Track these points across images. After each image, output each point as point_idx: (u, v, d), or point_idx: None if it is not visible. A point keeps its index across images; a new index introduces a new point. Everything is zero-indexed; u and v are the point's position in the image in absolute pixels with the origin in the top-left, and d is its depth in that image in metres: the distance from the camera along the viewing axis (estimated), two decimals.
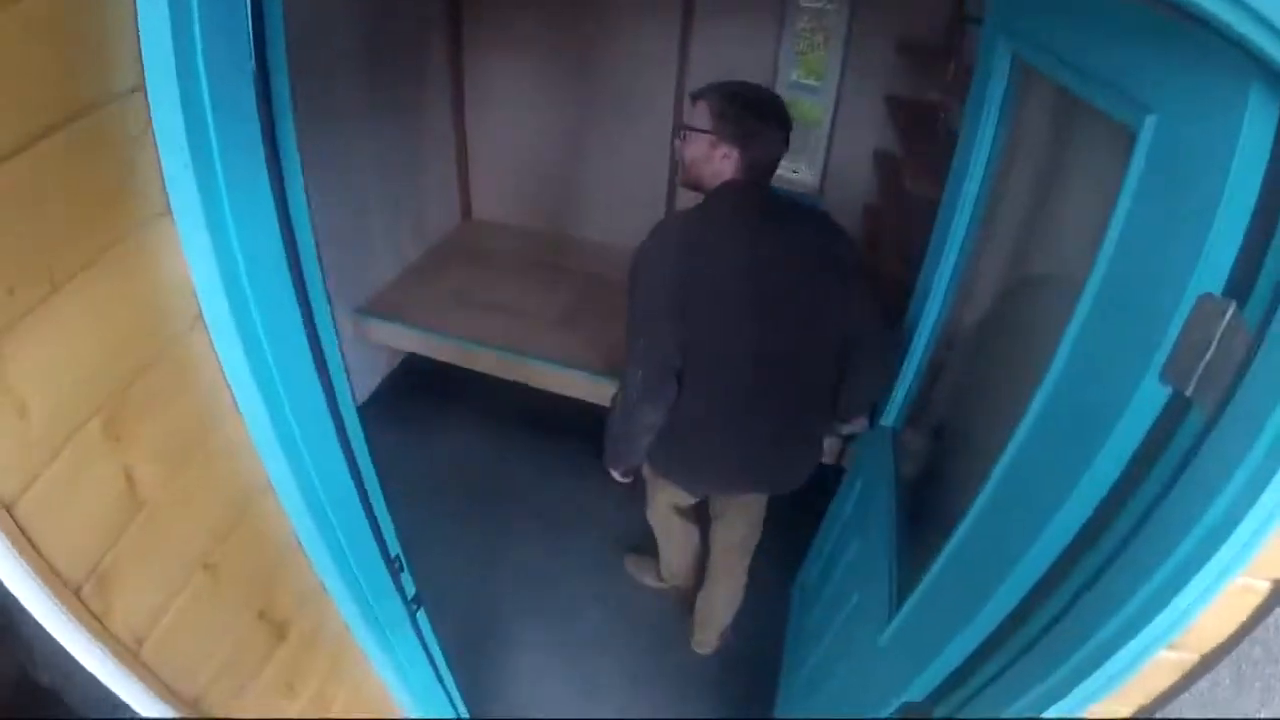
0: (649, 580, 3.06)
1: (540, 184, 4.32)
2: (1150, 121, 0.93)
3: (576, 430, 3.59)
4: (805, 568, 2.91)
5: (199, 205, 0.79)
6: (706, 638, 2.83)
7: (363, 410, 3.16)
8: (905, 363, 2.08)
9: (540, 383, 3.39)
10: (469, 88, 4.09)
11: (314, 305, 1.00)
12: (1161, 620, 0.86)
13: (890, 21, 3.27)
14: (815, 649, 2.39)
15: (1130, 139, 0.97)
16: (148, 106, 0.77)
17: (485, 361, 3.46)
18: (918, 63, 3.08)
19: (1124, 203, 0.98)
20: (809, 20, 3.50)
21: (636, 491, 3.10)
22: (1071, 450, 1.03)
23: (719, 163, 1.82)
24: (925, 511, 1.90)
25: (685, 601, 2.95)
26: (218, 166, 0.79)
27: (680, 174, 1.95)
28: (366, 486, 1.30)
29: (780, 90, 3.59)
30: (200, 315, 0.91)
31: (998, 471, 1.29)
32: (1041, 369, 1.16)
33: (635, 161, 4.01)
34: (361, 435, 1.27)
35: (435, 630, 1.92)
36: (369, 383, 3.93)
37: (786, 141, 1.84)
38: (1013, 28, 1.54)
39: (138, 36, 0.74)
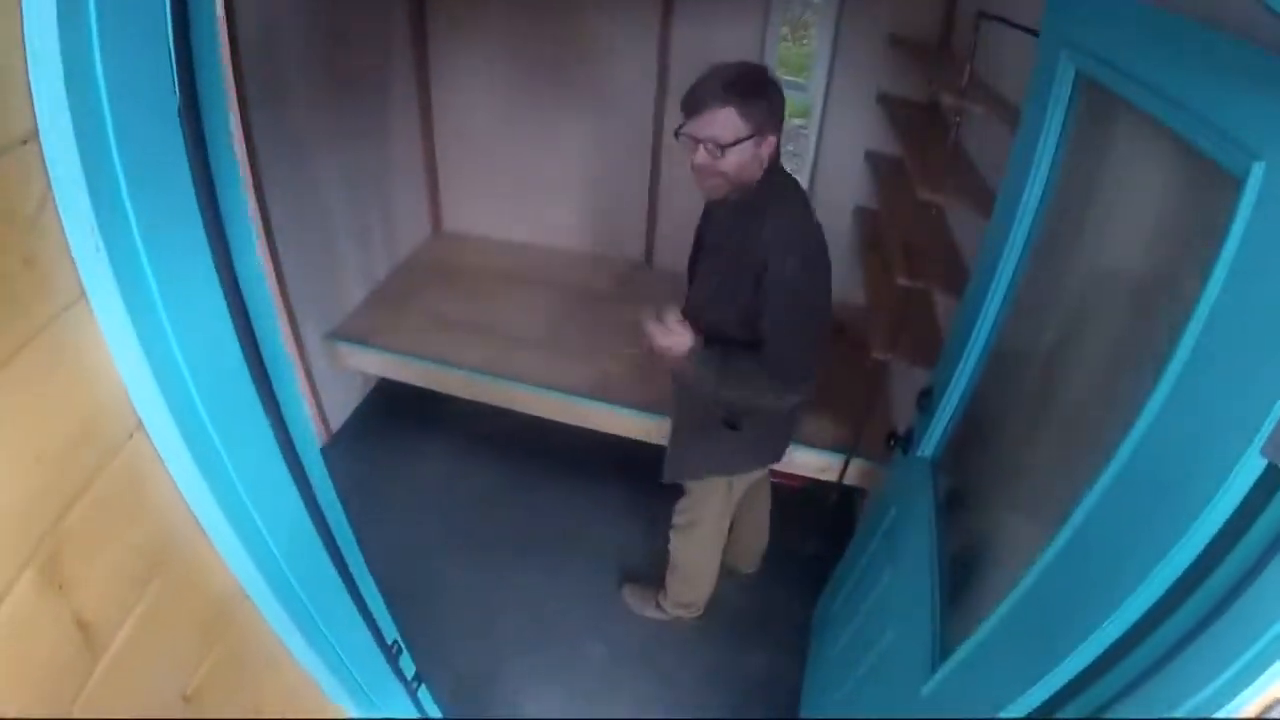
0: (650, 613, 2.90)
1: (514, 192, 4.12)
2: (1258, 170, 0.85)
3: (562, 452, 3.47)
4: (827, 595, 2.76)
5: (116, 291, 0.60)
6: (753, 556, 3.00)
7: (340, 435, 3.20)
8: (947, 391, 1.93)
9: (517, 405, 3.26)
10: (435, 91, 3.89)
11: (279, 391, 0.80)
12: (1250, 691, 0.83)
13: (883, 13, 3.12)
14: (841, 684, 2.26)
15: (1234, 185, 0.88)
16: (44, 162, 0.58)
17: (460, 385, 3.31)
18: (911, 58, 2.93)
19: (1226, 257, 0.90)
20: (795, 11, 3.32)
21: (633, 517, 3.15)
22: (1157, 516, 0.97)
23: (765, 154, 1.80)
24: (969, 554, 1.77)
25: (694, 628, 2.86)
26: (136, 237, 0.60)
27: (717, 190, 1.84)
28: (355, 578, 1.11)
29: None
30: (140, 422, 0.72)
31: (1068, 529, 1.17)
32: (1117, 419, 1.08)
33: (614, 162, 3.84)
34: (345, 523, 1.09)
35: (437, 696, 1.81)
36: (346, 406, 3.73)
37: None
38: (1079, 42, 1.38)
39: (27, 70, 0.56)
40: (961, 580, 1.70)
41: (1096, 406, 1.40)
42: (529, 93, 3.77)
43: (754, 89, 1.73)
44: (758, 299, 1.83)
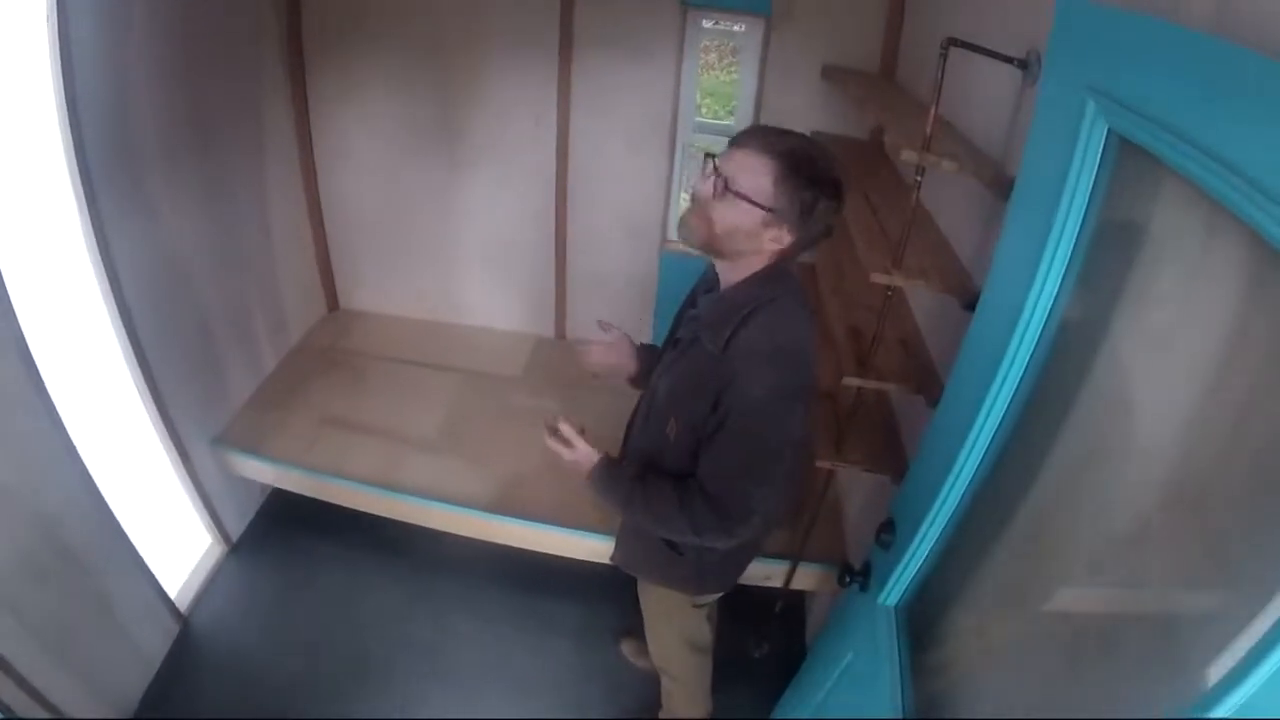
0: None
1: (412, 264, 3.73)
2: None
3: (474, 563, 3.05)
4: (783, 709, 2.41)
5: None
6: None
7: (241, 544, 3.22)
8: (917, 534, 1.54)
9: (414, 519, 2.86)
10: (320, 156, 3.45)
11: None
12: None
13: (814, 41, 2.77)
14: None
15: None
16: None
17: (352, 498, 2.89)
18: (849, 91, 2.54)
19: None
20: (714, 44, 2.92)
21: (556, 639, 2.85)
22: None
23: (765, 244, 1.47)
24: None
25: None
26: None
27: (693, 232, 1.50)
28: None
29: (683, 130, 3.08)
30: None
31: None
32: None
33: (516, 227, 3.48)
34: None
35: None
36: (246, 511, 3.27)
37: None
38: (1113, 88, 0.97)
39: None
40: None
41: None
42: (420, 153, 3.40)
43: (809, 173, 1.41)
44: (711, 418, 1.52)
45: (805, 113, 2.86)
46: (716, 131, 3.18)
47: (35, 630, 2.05)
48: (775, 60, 2.85)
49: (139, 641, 2.57)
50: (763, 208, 1.41)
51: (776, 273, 1.52)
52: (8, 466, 1.97)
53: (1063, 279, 1.12)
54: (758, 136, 1.44)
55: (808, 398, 1.55)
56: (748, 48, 2.91)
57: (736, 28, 2.95)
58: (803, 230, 1.45)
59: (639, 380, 1.89)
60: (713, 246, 1.50)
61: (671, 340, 1.71)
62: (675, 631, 2.15)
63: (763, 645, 2.81)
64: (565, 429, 1.67)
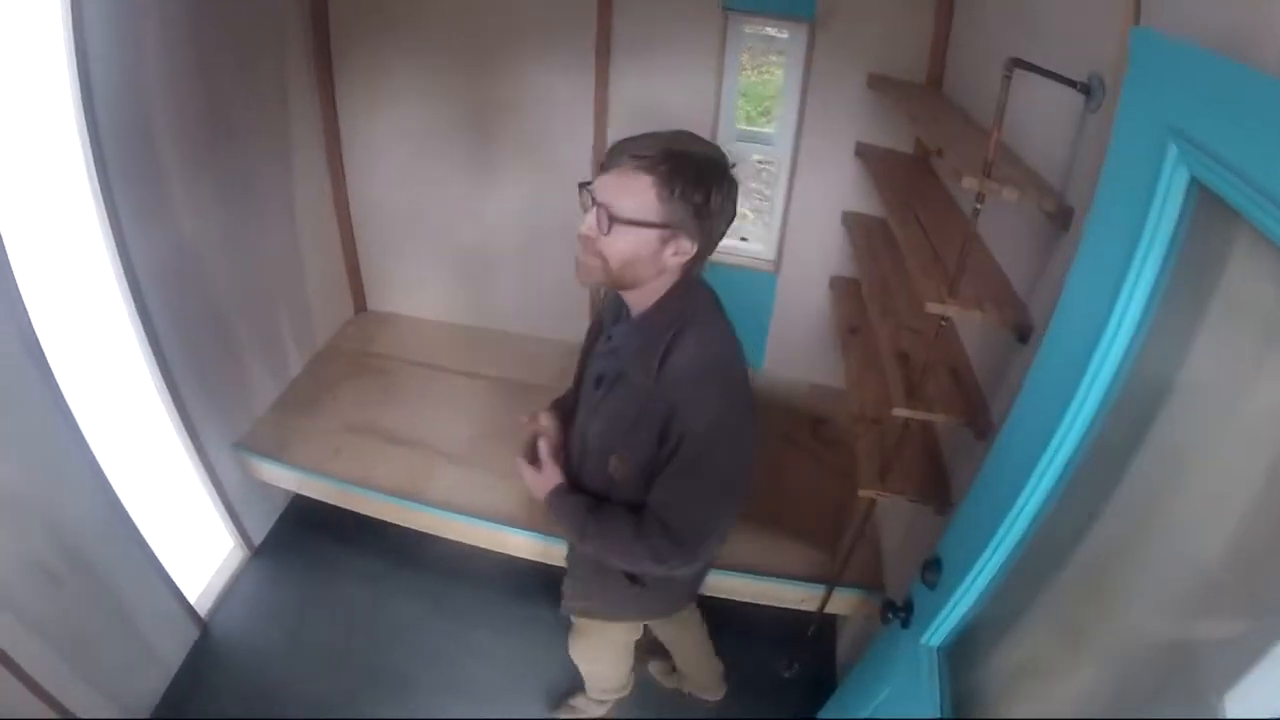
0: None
1: (443, 267, 3.67)
2: None
3: (495, 575, 3.02)
4: None
5: None
6: (710, 684, 2.68)
7: (264, 548, 3.20)
8: (967, 576, 1.46)
9: (440, 532, 2.83)
10: (348, 156, 3.40)
11: None
12: None
13: (859, 49, 2.67)
14: None
15: None
16: None
17: (378, 508, 2.85)
18: (895, 102, 2.45)
19: None
20: (757, 50, 2.84)
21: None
22: None
23: (667, 259, 1.34)
24: None
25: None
26: None
27: (588, 274, 1.38)
28: None
29: (724, 140, 2.98)
30: None
31: None
32: None
33: (548, 232, 3.39)
34: None
35: None
36: (269, 515, 3.24)
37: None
38: (1196, 133, 0.89)
39: None
40: None
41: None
42: (452, 153, 3.33)
43: (693, 173, 1.27)
44: (661, 450, 1.42)
45: (849, 122, 2.77)
46: (758, 140, 3.08)
47: (50, 635, 2.04)
48: (819, 66, 2.74)
49: (156, 646, 2.57)
50: (656, 225, 1.30)
51: (687, 287, 1.42)
52: (23, 472, 1.95)
53: (1138, 325, 1.05)
54: (624, 152, 1.31)
55: (751, 413, 1.48)
56: (790, 53, 2.81)
57: (774, 31, 2.86)
58: (704, 232, 1.33)
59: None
60: (615, 283, 1.39)
61: (593, 378, 1.60)
62: (621, 647, 2.21)
63: (793, 666, 2.76)
64: (543, 448, 1.63)
